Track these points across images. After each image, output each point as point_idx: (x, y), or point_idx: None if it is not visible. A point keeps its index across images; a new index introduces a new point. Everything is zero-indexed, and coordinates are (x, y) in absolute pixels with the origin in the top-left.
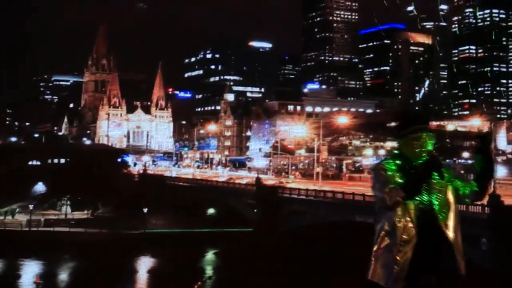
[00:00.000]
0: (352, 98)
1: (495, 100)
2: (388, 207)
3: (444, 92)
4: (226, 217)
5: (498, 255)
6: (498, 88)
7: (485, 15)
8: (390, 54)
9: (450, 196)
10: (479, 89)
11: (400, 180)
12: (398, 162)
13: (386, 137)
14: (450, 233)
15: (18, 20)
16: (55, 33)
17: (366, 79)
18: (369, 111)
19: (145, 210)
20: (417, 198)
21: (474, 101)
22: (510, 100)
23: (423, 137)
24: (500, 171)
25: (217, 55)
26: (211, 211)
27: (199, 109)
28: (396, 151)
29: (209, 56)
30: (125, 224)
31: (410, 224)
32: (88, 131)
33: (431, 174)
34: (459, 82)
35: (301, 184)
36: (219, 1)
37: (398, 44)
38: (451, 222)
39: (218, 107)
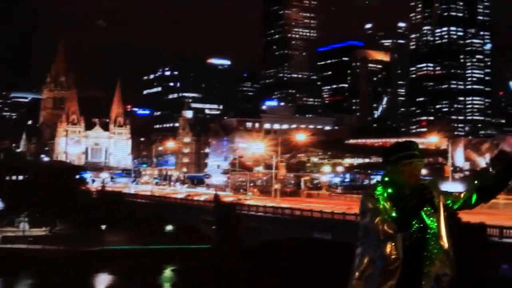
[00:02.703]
0: (310, 115)
1: (453, 117)
2: (380, 239)
3: (402, 109)
4: (185, 234)
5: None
6: (455, 105)
7: (443, 33)
8: (349, 71)
9: (441, 220)
10: (437, 106)
11: (392, 212)
12: (389, 190)
13: (344, 154)
14: (438, 263)
15: None
16: (13, 50)
17: (325, 96)
18: (327, 128)
19: (103, 226)
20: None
21: (432, 118)
22: (468, 117)
23: (414, 164)
24: (458, 188)
25: (176, 72)
26: (169, 227)
27: (157, 126)
28: (386, 178)
29: (167, 73)
30: (83, 241)
31: (397, 255)
32: (47, 148)
33: (423, 207)
34: (417, 99)
35: (259, 201)
36: (178, 18)
37: (356, 62)
38: (441, 251)
39: (177, 124)
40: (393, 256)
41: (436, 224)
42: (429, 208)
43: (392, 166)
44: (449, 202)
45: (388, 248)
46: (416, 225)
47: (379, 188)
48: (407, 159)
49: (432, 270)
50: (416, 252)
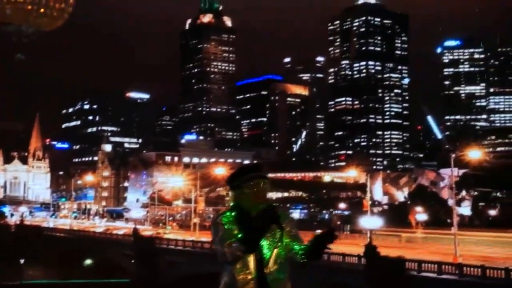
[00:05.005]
0: (229, 149)
1: (371, 151)
2: (229, 262)
3: (320, 143)
4: (104, 268)
5: None
6: (374, 140)
7: (361, 67)
8: (267, 105)
9: (283, 246)
10: (356, 140)
11: (238, 234)
12: (234, 214)
13: None
14: (276, 282)
15: None
16: None
17: (243, 130)
18: (246, 162)
19: (22, 260)
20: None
21: (350, 152)
22: (386, 152)
23: (258, 184)
24: (376, 222)
25: (95, 106)
26: (88, 262)
27: (76, 160)
28: (233, 203)
29: (86, 107)
30: (1, 275)
31: (250, 276)
32: None
33: (269, 226)
34: (336, 133)
35: (178, 235)
36: (96, 52)
37: (275, 96)
38: (280, 274)
39: (96, 158)
40: (248, 278)
41: (279, 247)
42: (276, 229)
43: (238, 191)
44: (296, 248)
45: (241, 271)
46: (265, 246)
47: (227, 214)
48: (251, 181)
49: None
50: (272, 274)
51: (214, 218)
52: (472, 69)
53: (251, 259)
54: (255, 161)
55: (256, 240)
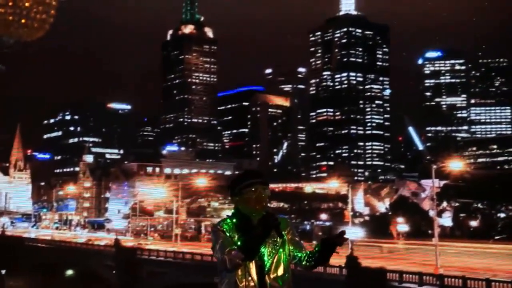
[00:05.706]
0: (210, 160)
1: (353, 162)
2: (229, 269)
3: (302, 154)
4: (85, 279)
5: None
6: (355, 151)
7: (343, 78)
8: (249, 116)
9: (284, 254)
10: (337, 151)
11: (238, 241)
12: (235, 221)
13: None
14: None
15: None
16: None
17: (225, 141)
18: (227, 173)
19: (3, 271)
20: (257, 258)
21: (332, 163)
22: (367, 163)
23: (258, 190)
24: (358, 233)
25: (76, 117)
26: (69, 272)
27: (58, 171)
28: (233, 210)
29: (68, 117)
30: None
31: (252, 283)
32: None
33: (269, 234)
34: (317, 144)
35: (160, 246)
36: (77, 63)
37: (256, 106)
38: (282, 281)
39: (77, 169)
40: (250, 285)
41: (279, 254)
42: (275, 236)
43: (238, 198)
44: (300, 255)
45: (243, 278)
46: (266, 253)
47: (227, 221)
48: (250, 187)
49: None
50: (274, 281)
51: (214, 225)
52: (453, 80)
53: (252, 266)
54: (253, 169)
55: (255, 247)
